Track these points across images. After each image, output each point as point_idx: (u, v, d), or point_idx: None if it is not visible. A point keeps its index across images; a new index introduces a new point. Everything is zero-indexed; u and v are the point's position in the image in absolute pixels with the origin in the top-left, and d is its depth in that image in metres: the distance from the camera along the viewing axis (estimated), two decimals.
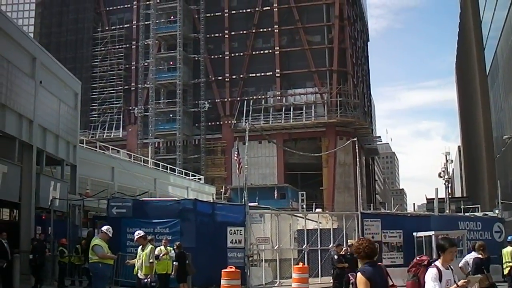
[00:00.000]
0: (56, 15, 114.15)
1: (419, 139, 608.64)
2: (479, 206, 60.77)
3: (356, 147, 55.61)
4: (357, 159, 48.43)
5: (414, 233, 32.23)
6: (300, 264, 28.42)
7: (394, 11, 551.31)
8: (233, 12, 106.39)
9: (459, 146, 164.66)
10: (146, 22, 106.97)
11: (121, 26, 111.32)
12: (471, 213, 42.61)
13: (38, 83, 30.97)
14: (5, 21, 28.13)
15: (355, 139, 59.41)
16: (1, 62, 26.84)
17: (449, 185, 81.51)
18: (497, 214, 40.14)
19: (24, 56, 30.16)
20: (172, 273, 23.49)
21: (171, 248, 23.76)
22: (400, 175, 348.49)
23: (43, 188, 31.27)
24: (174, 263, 23.60)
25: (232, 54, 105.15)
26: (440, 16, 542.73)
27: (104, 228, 18.42)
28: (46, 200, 31.40)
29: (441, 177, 74.40)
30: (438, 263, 9.10)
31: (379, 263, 8.64)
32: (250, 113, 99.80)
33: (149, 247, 18.47)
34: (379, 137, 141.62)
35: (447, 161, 78.85)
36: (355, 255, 8.74)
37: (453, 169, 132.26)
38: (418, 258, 10.94)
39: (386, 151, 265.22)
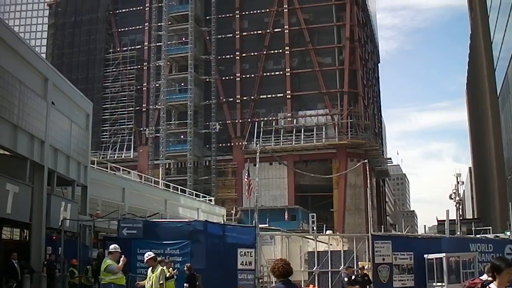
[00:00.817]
0: (68, 36, 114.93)
1: (430, 160, 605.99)
2: (490, 227, 60.51)
3: (367, 169, 55.64)
4: (368, 181, 48.53)
5: (425, 255, 32.00)
6: (311, 286, 28.31)
7: (405, 32, 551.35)
8: (244, 33, 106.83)
9: (470, 168, 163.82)
10: (157, 44, 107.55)
11: (132, 47, 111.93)
12: (483, 235, 42.38)
13: (50, 104, 31.11)
14: (17, 42, 28.32)
15: (366, 161, 59.33)
16: (13, 83, 26.99)
17: (460, 206, 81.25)
18: (509, 235, 39.90)
19: (36, 77, 30.32)
20: None
21: (173, 270, 23.55)
22: (411, 196, 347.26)
23: (54, 209, 31.31)
24: (185, 284, 23.51)
25: (243, 76, 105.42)
26: (451, 37, 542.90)
27: (111, 247, 18.40)
28: (56, 221, 31.42)
29: (452, 198, 74.14)
30: (493, 285, 8.37)
31: (295, 281, 9.04)
32: (261, 134, 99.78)
33: (159, 268, 18.43)
34: (390, 158, 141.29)
35: (458, 182, 78.55)
36: (271, 274, 9.36)
37: (464, 190, 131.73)
38: (470, 281, 10.59)
39: (397, 173, 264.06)
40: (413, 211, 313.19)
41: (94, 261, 29.56)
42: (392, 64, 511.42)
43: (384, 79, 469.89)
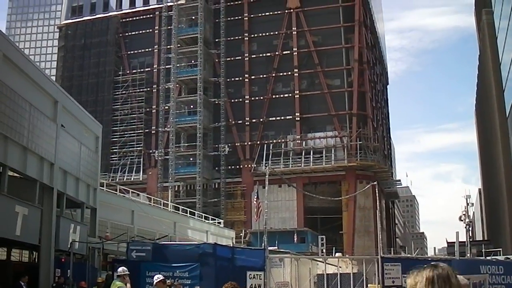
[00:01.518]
0: (78, 59, 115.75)
1: (439, 182, 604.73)
2: (500, 249, 60.13)
3: (376, 191, 55.27)
4: (377, 203, 48.28)
5: None
6: None
7: (413, 54, 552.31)
8: (253, 56, 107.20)
9: (479, 189, 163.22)
10: (167, 66, 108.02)
11: (142, 70, 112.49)
12: (493, 257, 42.13)
13: (60, 126, 31.19)
14: (27, 64, 28.46)
15: (375, 183, 59.04)
16: (23, 105, 27.09)
17: (470, 228, 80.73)
18: None
19: (46, 99, 30.43)
20: None
21: None
22: (421, 218, 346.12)
23: (63, 231, 31.28)
24: None
25: (252, 98, 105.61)
26: (459, 58, 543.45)
27: (120, 270, 18.35)
28: (65, 243, 31.39)
29: (462, 220, 73.74)
30: None
31: None
32: (270, 156, 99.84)
33: None
34: (399, 180, 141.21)
35: (467, 204, 78.16)
36: None
37: (473, 212, 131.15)
38: None
39: (406, 195, 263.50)
40: (423, 233, 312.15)
41: (101, 282, 29.43)
42: (400, 85, 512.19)
43: (393, 101, 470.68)
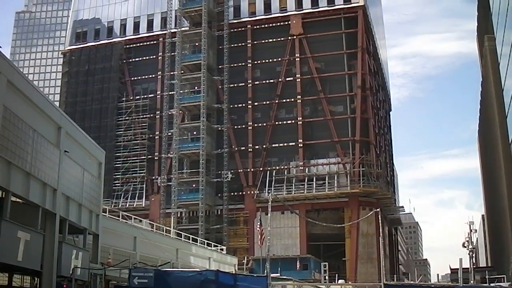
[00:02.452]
0: (82, 84, 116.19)
1: (443, 208, 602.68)
2: (504, 276, 59.86)
3: (379, 218, 55.15)
4: (380, 230, 48.15)
5: None
6: None
7: (416, 80, 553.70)
8: (256, 82, 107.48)
9: (483, 215, 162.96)
10: (170, 92, 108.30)
11: (145, 96, 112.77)
12: (497, 284, 42.03)
13: (63, 152, 31.23)
14: (31, 90, 28.57)
15: (378, 209, 58.93)
16: (27, 131, 27.16)
17: (474, 254, 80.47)
18: None
19: (49, 125, 30.50)
20: None
21: None
22: (424, 245, 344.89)
23: (65, 257, 31.20)
24: None
25: (255, 124, 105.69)
26: (462, 84, 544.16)
27: None
28: (67, 269, 31.30)
29: (465, 246, 73.47)
30: None
31: None
32: (273, 183, 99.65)
33: None
34: (402, 207, 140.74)
35: (471, 230, 77.95)
36: None
37: (477, 238, 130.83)
38: None
39: (409, 221, 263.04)
40: (426, 259, 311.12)
41: None
42: (403, 111, 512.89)
43: (396, 127, 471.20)
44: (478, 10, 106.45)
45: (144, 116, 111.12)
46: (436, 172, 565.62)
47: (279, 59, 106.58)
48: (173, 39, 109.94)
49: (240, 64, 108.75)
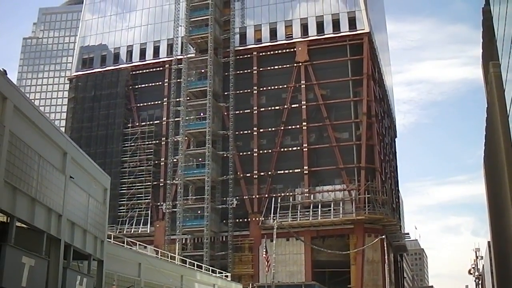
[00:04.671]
0: (88, 110, 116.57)
1: (449, 234, 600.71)
2: None
3: (385, 244, 55.06)
4: (386, 257, 47.92)
5: None
6: None
7: (421, 106, 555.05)
8: (262, 109, 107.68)
9: (489, 242, 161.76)
10: (176, 119, 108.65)
11: (151, 122, 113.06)
12: None
13: (68, 177, 31.22)
14: (37, 115, 28.63)
15: (383, 236, 58.92)
16: (32, 157, 27.18)
17: (480, 282, 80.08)
18: None
19: (55, 151, 30.52)
20: None
21: None
22: (429, 271, 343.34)
23: (70, 283, 31.06)
24: None
25: (261, 151, 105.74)
26: (468, 110, 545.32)
27: None
28: None
29: (471, 273, 73.23)
30: None
31: None
32: (278, 210, 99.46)
33: None
34: (408, 233, 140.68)
35: (477, 257, 77.72)
36: None
37: (483, 265, 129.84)
38: None
39: (415, 248, 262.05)
40: (432, 286, 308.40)
41: None
42: (409, 138, 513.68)
43: (402, 153, 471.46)
44: (483, 37, 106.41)
45: (150, 142, 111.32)
46: (442, 198, 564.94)
47: (285, 85, 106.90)
48: (179, 65, 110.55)
49: (245, 90, 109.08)
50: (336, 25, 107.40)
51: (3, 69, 25.56)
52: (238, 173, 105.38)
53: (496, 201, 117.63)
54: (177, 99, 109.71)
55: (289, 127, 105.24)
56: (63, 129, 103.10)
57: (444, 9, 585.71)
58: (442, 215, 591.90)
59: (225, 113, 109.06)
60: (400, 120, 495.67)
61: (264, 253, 74.25)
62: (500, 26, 47.65)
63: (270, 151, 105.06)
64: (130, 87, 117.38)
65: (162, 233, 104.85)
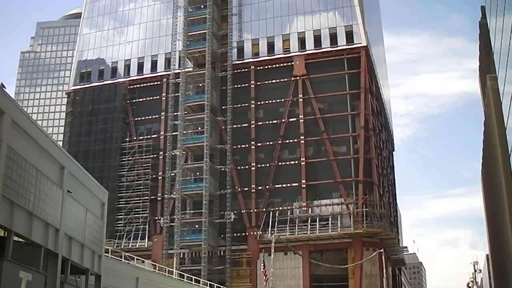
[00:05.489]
0: (85, 124, 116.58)
1: (447, 248, 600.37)
2: None
3: (383, 258, 54.97)
4: (384, 270, 47.82)
5: None
6: None
7: (419, 119, 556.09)
8: (259, 123, 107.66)
9: (487, 255, 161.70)
10: (173, 133, 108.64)
11: (148, 137, 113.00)
12: None
13: (66, 192, 31.20)
14: (35, 129, 28.64)
15: (381, 250, 58.87)
16: (30, 171, 27.17)
17: None
18: None
19: (52, 165, 30.52)
20: None
21: None
22: (428, 285, 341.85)
23: None
24: None
25: (258, 165, 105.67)
26: (465, 123, 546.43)
27: None
28: None
29: (470, 287, 73.10)
30: None
31: None
32: (276, 224, 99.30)
33: None
34: (406, 247, 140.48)
35: (475, 270, 77.63)
36: None
37: (481, 278, 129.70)
38: None
39: (413, 261, 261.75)
40: None
41: None
42: (407, 151, 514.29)
43: (399, 166, 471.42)
44: (480, 49, 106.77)
45: (148, 156, 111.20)
46: (440, 211, 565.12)
47: (282, 99, 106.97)
48: (177, 79, 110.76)
49: (243, 104, 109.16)
50: (333, 39, 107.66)
51: (1, 83, 25.58)
52: (236, 187, 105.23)
53: (494, 214, 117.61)
54: (175, 113, 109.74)
55: (287, 141, 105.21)
56: (60, 143, 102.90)
57: (441, 22, 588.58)
58: (440, 228, 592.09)
59: (223, 127, 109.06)
60: (397, 133, 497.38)
61: (262, 267, 74.21)
62: (496, 39, 47.84)
63: (268, 165, 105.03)
64: (128, 101, 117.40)
65: (159, 248, 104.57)
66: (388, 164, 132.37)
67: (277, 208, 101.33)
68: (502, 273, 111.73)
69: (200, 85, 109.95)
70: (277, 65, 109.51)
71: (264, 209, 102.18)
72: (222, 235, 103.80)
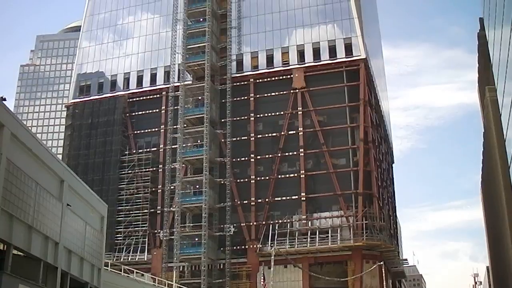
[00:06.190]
0: (85, 137, 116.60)
1: (447, 260, 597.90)
2: None
3: (383, 271, 54.84)
4: (384, 283, 47.66)
5: None
6: None
7: (419, 131, 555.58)
8: (259, 136, 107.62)
9: (487, 267, 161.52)
10: (173, 146, 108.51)
11: (148, 150, 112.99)
12: None
13: (65, 205, 31.17)
14: (35, 143, 28.65)
15: (381, 262, 58.74)
16: (29, 184, 27.16)
17: None
18: None
19: (52, 178, 30.52)
20: None
21: None
22: None
23: None
24: None
25: (258, 178, 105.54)
26: (464, 135, 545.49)
27: None
28: None
29: None
30: None
31: None
32: (276, 237, 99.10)
33: None
34: (406, 259, 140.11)
35: (475, 282, 77.43)
36: None
37: None
38: None
39: (413, 274, 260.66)
40: None
41: None
42: (406, 163, 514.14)
43: (399, 179, 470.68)
44: (479, 61, 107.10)
45: (147, 169, 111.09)
46: (439, 223, 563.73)
47: (282, 112, 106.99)
48: (176, 93, 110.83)
49: (242, 117, 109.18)
50: (332, 51, 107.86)
51: (2, 97, 25.60)
52: (236, 200, 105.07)
53: (494, 225, 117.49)
54: (174, 126, 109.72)
55: (286, 154, 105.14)
56: (60, 157, 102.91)
57: (439, 34, 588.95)
58: (440, 240, 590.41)
59: (222, 140, 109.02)
60: (397, 145, 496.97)
61: (262, 280, 74.10)
62: (495, 50, 47.87)
63: (267, 178, 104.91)
64: (127, 114, 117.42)
65: (159, 261, 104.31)
66: (388, 176, 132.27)
67: (276, 221, 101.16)
68: (502, 285, 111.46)
69: (200, 98, 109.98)
70: (277, 78, 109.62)
71: (263, 222, 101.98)
72: (221, 248, 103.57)
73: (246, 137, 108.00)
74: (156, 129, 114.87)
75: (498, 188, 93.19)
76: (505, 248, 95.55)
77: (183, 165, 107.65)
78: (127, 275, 51.98)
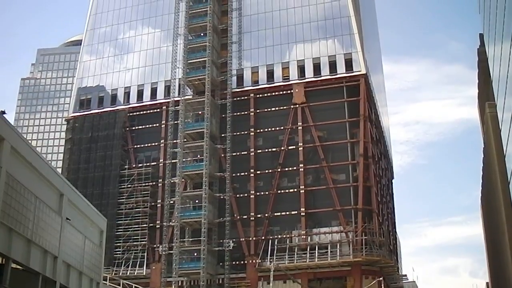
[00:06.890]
0: (85, 151, 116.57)
1: (447, 276, 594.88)
2: None
3: (382, 286, 54.55)
4: None
5: None
6: None
7: (418, 147, 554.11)
8: (259, 151, 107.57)
9: (487, 283, 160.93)
10: (173, 161, 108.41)
11: (148, 164, 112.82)
12: None
13: (65, 219, 31.12)
14: (34, 156, 28.64)
15: (381, 278, 58.51)
16: (29, 198, 27.13)
17: None
18: None
19: (52, 192, 30.49)
20: None
21: None
22: None
23: None
24: None
25: (258, 193, 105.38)
26: (464, 150, 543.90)
27: None
28: None
29: None
30: None
31: None
32: (275, 252, 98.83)
33: None
34: (406, 275, 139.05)
35: None
36: None
37: None
38: None
39: None
40: None
41: None
42: (406, 178, 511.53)
43: (399, 194, 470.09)
44: (479, 77, 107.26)
45: (147, 184, 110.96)
46: (439, 239, 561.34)
47: (282, 127, 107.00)
48: (176, 107, 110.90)
49: (242, 132, 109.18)
50: (332, 66, 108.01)
51: (2, 110, 25.62)
52: (235, 215, 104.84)
53: (494, 241, 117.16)
54: (174, 141, 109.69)
55: (286, 169, 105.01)
56: (59, 170, 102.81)
57: (440, 50, 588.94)
58: (440, 256, 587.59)
59: (222, 155, 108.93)
60: (397, 161, 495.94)
61: None
62: (495, 66, 47.95)
63: (267, 193, 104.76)
64: (127, 129, 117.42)
65: (158, 275, 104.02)
66: (388, 192, 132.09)
67: (276, 236, 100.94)
68: None
69: (200, 112, 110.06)
70: (277, 93, 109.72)
71: (263, 237, 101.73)
72: (221, 263, 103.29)
73: (246, 152, 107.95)
74: (156, 144, 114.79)
75: (498, 204, 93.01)
76: (505, 264, 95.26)
77: (183, 180, 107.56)
78: None
